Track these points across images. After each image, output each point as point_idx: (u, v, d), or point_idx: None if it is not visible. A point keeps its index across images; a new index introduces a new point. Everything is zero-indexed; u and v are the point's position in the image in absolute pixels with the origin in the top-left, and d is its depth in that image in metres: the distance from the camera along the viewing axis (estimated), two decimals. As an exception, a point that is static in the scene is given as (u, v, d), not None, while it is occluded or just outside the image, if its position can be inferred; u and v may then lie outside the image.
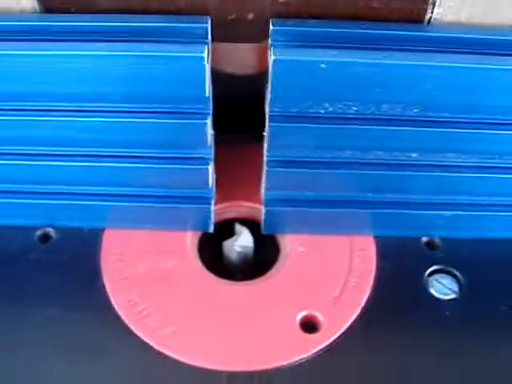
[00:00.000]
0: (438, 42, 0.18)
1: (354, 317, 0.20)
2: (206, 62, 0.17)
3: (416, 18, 0.18)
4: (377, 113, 0.18)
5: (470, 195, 0.21)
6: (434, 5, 0.18)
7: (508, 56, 0.18)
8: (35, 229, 0.22)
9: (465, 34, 0.18)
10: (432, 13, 0.18)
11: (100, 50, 0.17)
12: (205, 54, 0.17)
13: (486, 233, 0.22)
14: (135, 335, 0.19)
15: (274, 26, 0.18)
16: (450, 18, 0.18)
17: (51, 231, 0.22)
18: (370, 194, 0.21)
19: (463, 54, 0.18)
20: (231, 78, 0.21)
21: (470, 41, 0.18)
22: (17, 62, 0.18)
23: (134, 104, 0.18)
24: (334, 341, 0.19)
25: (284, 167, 0.20)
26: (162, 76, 0.17)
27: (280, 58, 0.17)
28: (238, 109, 0.22)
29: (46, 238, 0.22)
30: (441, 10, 0.18)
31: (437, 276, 0.21)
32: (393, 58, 0.17)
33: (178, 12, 0.18)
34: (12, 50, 0.17)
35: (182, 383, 0.18)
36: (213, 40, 0.18)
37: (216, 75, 0.19)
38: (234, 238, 0.21)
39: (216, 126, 0.19)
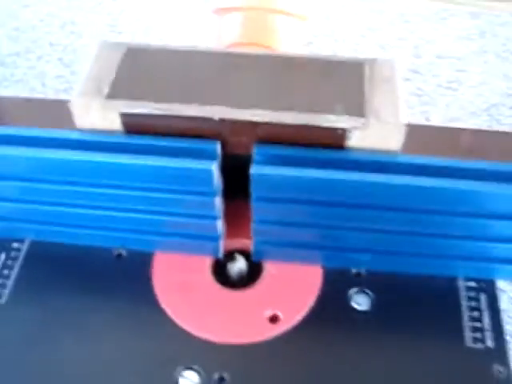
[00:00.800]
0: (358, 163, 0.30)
1: (301, 316, 0.33)
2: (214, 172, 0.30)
3: (339, 146, 0.31)
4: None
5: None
6: (347, 139, 0.30)
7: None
8: (113, 249, 0.36)
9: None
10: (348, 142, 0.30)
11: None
12: (213, 167, 0.30)
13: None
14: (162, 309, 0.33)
15: (256, 148, 0.31)
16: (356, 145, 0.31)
17: (123, 251, 0.36)
18: (327, 244, 0.34)
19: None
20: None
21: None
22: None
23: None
24: (282, 334, 0.32)
25: (266, 225, 0.33)
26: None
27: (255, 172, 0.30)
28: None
29: (120, 255, 0.36)
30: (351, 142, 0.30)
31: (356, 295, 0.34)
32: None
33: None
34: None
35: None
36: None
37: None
38: (234, 262, 0.35)
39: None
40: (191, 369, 0.31)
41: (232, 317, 0.33)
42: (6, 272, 0.35)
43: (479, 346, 0.32)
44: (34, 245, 0.36)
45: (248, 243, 0.35)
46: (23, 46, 0.47)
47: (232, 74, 0.32)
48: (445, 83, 0.43)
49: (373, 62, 0.32)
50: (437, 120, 0.40)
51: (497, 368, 0.31)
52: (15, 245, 0.36)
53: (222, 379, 0.31)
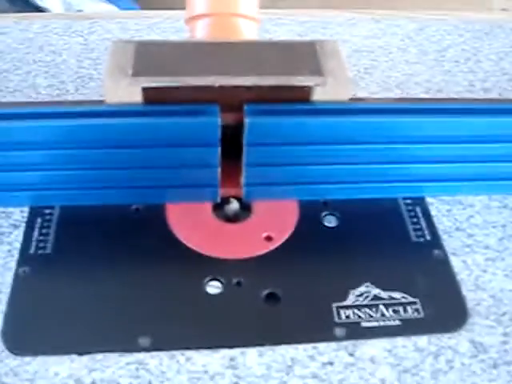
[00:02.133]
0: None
1: (288, 235, 0.43)
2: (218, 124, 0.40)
3: (306, 100, 0.42)
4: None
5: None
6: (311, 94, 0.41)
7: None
8: (130, 205, 0.45)
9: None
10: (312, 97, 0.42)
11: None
12: (218, 120, 0.40)
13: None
14: (182, 243, 0.42)
15: (246, 106, 0.41)
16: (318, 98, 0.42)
17: (139, 206, 0.45)
18: (301, 180, 0.44)
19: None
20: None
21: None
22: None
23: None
24: (276, 248, 0.43)
25: (255, 168, 0.43)
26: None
27: (251, 121, 0.40)
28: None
29: (137, 209, 0.45)
30: (314, 96, 0.42)
31: (326, 217, 0.45)
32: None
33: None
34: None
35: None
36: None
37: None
38: (229, 204, 0.45)
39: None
40: (214, 279, 0.40)
41: (237, 240, 0.43)
42: (45, 231, 0.43)
43: (421, 239, 0.43)
44: (64, 209, 0.44)
45: (238, 190, 0.45)
46: (10, 65, 0.55)
47: (220, 54, 0.42)
48: (362, 70, 0.56)
49: (321, 41, 0.44)
50: (361, 96, 0.53)
51: (436, 252, 0.43)
52: (47, 211, 0.44)
53: (239, 283, 0.40)
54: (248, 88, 0.41)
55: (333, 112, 0.41)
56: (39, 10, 0.88)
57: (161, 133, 0.40)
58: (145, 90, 0.40)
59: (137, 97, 0.40)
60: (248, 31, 0.48)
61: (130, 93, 0.40)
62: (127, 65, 0.41)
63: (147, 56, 0.42)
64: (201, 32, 0.48)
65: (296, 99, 0.41)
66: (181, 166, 0.42)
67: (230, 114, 0.42)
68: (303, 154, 0.42)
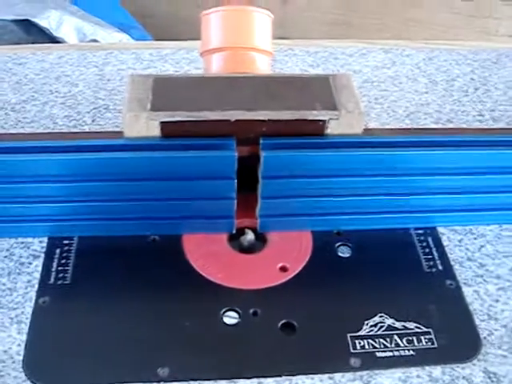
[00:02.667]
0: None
1: (303, 265, 0.44)
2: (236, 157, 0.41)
3: (320, 134, 0.43)
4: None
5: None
6: (326, 128, 0.42)
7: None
8: (148, 236, 0.46)
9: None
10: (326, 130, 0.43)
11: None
12: (235, 153, 0.41)
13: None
14: (199, 273, 0.43)
15: (262, 140, 0.42)
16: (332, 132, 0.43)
17: (156, 237, 0.46)
18: (315, 212, 0.45)
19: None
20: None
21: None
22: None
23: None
24: (291, 278, 0.43)
25: (270, 200, 0.44)
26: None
27: (267, 155, 0.41)
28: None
29: (154, 240, 0.45)
30: (328, 130, 0.43)
31: (340, 247, 0.45)
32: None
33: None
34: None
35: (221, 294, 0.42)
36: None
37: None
38: (245, 235, 0.45)
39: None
40: (231, 309, 0.41)
41: (253, 271, 0.43)
42: (63, 261, 0.44)
43: (433, 270, 0.44)
44: (82, 239, 0.45)
45: (253, 221, 0.46)
46: (27, 95, 0.56)
47: (236, 88, 0.43)
48: (373, 100, 0.57)
49: (334, 75, 0.45)
50: (372, 126, 0.54)
51: (448, 282, 0.43)
52: (66, 241, 0.45)
53: (255, 313, 0.41)
54: (264, 122, 0.42)
55: (347, 145, 0.42)
56: (54, 39, 0.89)
57: (178, 166, 0.41)
58: (163, 124, 0.41)
59: (155, 131, 0.41)
60: (262, 64, 0.49)
61: (148, 127, 0.41)
62: (145, 99, 0.42)
63: (165, 90, 0.43)
64: (216, 65, 0.49)
65: (310, 133, 0.42)
66: (197, 198, 0.43)
67: (246, 146, 0.43)
68: (317, 187, 0.43)
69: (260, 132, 0.42)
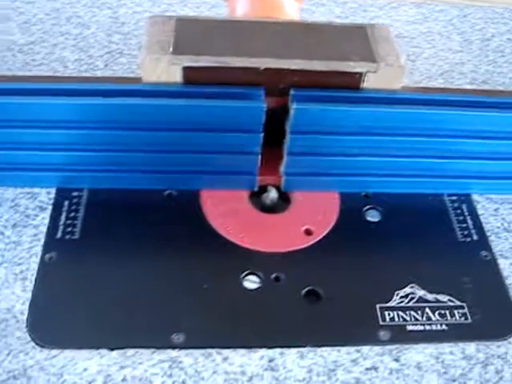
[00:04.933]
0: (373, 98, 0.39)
1: (329, 229, 0.41)
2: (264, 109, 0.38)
3: (356, 87, 0.39)
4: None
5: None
6: (362, 81, 0.39)
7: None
8: (164, 191, 0.42)
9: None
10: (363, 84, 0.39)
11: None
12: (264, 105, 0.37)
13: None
14: (218, 233, 0.40)
15: (293, 91, 0.38)
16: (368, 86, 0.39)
17: (173, 191, 0.42)
18: (343, 172, 0.42)
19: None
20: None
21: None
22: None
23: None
24: (316, 242, 0.40)
25: (297, 157, 0.41)
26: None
27: (298, 107, 0.38)
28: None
29: (170, 195, 0.42)
30: (365, 84, 0.39)
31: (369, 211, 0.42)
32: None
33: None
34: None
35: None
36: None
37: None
38: (267, 193, 0.42)
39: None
40: (252, 273, 0.38)
41: (275, 232, 0.40)
42: (72, 215, 0.41)
43: (468, 239, 0.41)
44: (93, 192, 0.42)
45: (276, 179, 0.42)
46: (36, 36, 0.52)
47: (265, 35, 0.40)
48: (404, 57, 0.53)
49: (372, 26, 0.41)
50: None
51: (484, 253, 0.40)
52: (75, 193, 0.42)
53: (277, 278, 0.38)
54: (295, 72, 0.38)
55: (383, 101, 0.39)
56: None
57: (201, 116, 0.38)
58: (186, 69, 0.38)
59: (177, 76, 0.38)
60: (291, 10, 0.45)
61: (169, 72, 0.38)
62: (167, 41, 0.38)
63: (188, 33, 0.39)
64: (241, 9, 0.45)
65: (345, 86, 0.39)
66: (219, 151, 0.40)
67: (274, 98, 0.39)
68: (348, 145, 0.40)
69: (290, 83, 0.39)
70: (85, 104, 0.38)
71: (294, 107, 0.38)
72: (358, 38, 0.40)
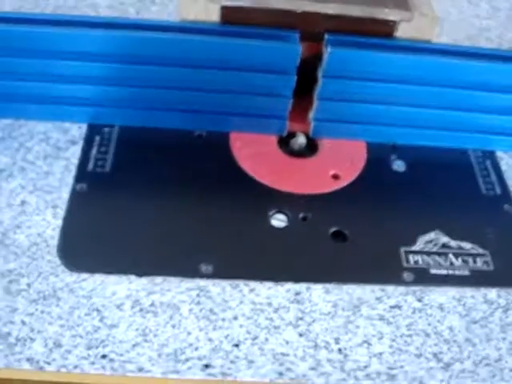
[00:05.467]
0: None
1: (356, 175, 0.41)
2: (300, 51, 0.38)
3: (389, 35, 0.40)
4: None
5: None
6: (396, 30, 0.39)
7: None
8: (194, 131, 0.43)
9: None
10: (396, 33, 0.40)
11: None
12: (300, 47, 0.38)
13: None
14: (247, 173, 0.40)
15: (328, 36, 0.39)
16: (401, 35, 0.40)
17: (203, 133, 0.43)
18: (371, 120, 0.42)
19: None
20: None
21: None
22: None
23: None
24: (344, 187, 0.41)
25: (328, 102, 0.41)
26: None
27: (333, 51, 0.38)
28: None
29: (200, 136, 0.43)
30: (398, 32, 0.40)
31: (395, 161, 0.43)
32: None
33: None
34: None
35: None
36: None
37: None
38: (296, 138, 0.43)
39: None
40: (280, 212, 0.39)
41: (303, 176, 0.41)
42: (103, 149, 0.41)
43: (491, 193, 0.42)
44: (124, 129, 0.42)
45: (304, 127, 0.43)
46: (68, -18, 0.53)
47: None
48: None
49: (407, -24, 0.42)
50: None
51: (507, 207, 0.41)
52: (106, 129, 0.42)
53: (304, 218, 0.39)
54: (330, 17, 0.39)
55: (416, 50, 0.39)
56: None
57: (236, 54, 0.39)
58: (223, 8, 0.38)
59: (214, 15, 0.38)
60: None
61: (207, 10, 0.38)
62: (208, -19, 0.39)
63: (227, -26, 0.40)
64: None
65: (378, 33, 0.39)
66: (252, 92, 0.40)
67: (307, 43, 0.40)
68: (378, 92, 0.41)
69: (325, 28, 0.39)
70: (121, 36, 0.38)
71: (328, 51, 0.38)
72: (393, -13, 0.41)
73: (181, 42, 0.38)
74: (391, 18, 0.39)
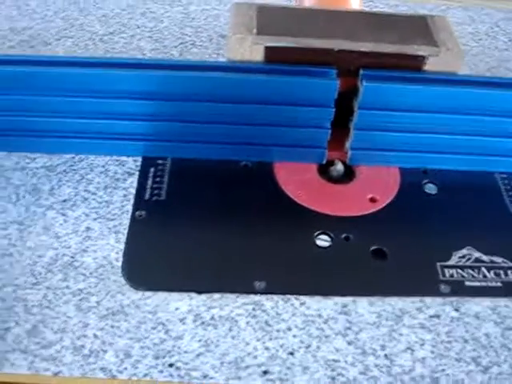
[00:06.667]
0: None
1: (391, 198, 0.45)
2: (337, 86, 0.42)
3: (418, 69, 0.43)
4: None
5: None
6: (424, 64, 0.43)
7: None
8: (240, 161, 0.47)
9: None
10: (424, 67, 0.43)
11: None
12: (337, 82, 0.42)
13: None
14: (291, 198, 0.44)
15: (363, 71, 0.43)
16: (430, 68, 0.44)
17: (248, 163, 0.47)
18: (404, 148, 0.46)
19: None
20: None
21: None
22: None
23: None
24: (381, 209, 0.44)
25: (364, 132, 0.45)
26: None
27: (368, 85, 0.42)
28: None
29: (246, 165, 0.47)
30: (426, 66, 0.43)
31: (427, 184, 0.46)
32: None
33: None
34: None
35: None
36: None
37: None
38: (335, 166, 0.46)
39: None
40: (324, 233, 0.42)
41: (343, 199, 0.44)
42: (158, 179, 0.45)
43: (519, 212, 0.45)
44: (175, 160, 0.46)
45: (342, 155, 0.47)
46: (115, 28, 0.57)
47: (337, 21, 0.44)
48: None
49: (431, 16, 0.46)
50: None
51: (534, 223, 0.44)
52: (160, 161, 0.46)
53: (347, 238, 0.42)
54: (364, 54, 0.43)
55: (444, 81, 0.43)
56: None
57: (279, 91, 0.42)
58: (267, 48, 0.42)
59: (258, 55, 0.42)
60: (354, 3, 0.50)
61: (252, 50, 0.42)
62: (251, 24, 0.43)
63: (268, 18, 0.44)
64: (309, 1, 0.50)
65: (409, 68, 0.43)
66: (294, 125, 0.44)
67: (343, 78, 0.43)
68: (411, 121, 0.44)
69: (359, 64, 0.43)
70: (171, 76, 0.42)
71: (363, 85, 0.42)
72: (419, 26, 0.45)
73: (229, 80, 0.42)
74: (420, 53, 0.43)
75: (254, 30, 0.42)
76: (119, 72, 0.42)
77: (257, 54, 0.43)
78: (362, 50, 0.42)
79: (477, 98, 0.43)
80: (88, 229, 0.42)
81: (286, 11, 0.45)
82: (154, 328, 0.37)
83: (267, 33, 0.42)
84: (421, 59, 0.43)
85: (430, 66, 0.43)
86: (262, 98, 0.43)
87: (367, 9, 0.63)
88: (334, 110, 0.43)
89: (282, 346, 0.37)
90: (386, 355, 0.37)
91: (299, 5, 0.50)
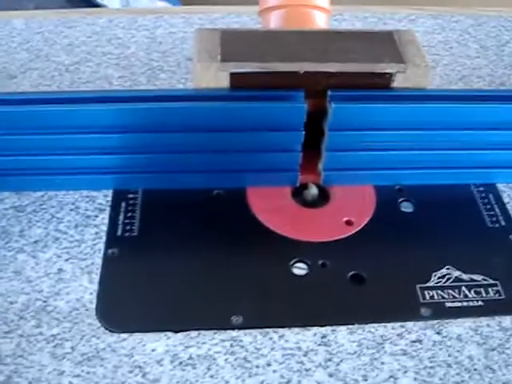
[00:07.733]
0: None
1: (367, 219, 0.44)
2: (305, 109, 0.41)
3: (386, 86, 0.43)
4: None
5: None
6: (392, 81, 0.43)
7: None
8: (212, 190, 0.46)
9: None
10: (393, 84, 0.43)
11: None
12: (305, 105, 0.41)
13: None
14: (265, 226, 0.43)
15: (331, 92, 0.42)
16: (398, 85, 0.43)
17: (220, 191, 0.46)
18: (379, 166, 0.45)
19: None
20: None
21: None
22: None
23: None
24: (357, 232, 0.44)
25: (335, 153, 0.44)
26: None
27: (336, 106, 0.41)
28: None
29: (218, 194, 0.46)
30: (394, 83, 0.43)
31: (402, 203, 0.46)
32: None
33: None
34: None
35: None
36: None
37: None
38: (309, 189, 0.46)
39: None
40: (300, 261, 0.41)
41: (319, 224, 0.44)
42: (130, 214, 0.44)
43: (496, 225, 0.44)
44: (147, 193, 0.45)
45: (315, 177, 0.46)
46: (80, 57, 0.56)
47: (302, 43, 0.43)
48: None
49: (397, 30, 0.45)
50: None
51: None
52: (131, 195, 0.45)
53: (323, 265, 0.41)
54: (331, 75, 0.42)
55: (413, 98, 0.42)
56: (96, 6, 0.89)
57: (247, 117, 0.42)
58: (232, 75, 0.41)
59: (224, 82, 0.42)
60: (320, 21, 0.49)
61: (217, 78, 0.41)
62: (215, 51, 0.42)
63: (232, 43, 0.43)
64: (275, 23, 0.49)
65: (376, 86, 0.43)
66: (264, 150, 0.43)
67: (311, 100, 0.43)
68: (382, 139, 0.43)
69: (327, 85, 0.42)
70: (137, 109, 0.41)
71: (332, 106, 0.41)
72: (386, 42, 0.44)
73: (195, 109, 0.41)
74: (387, 70, 0.42)
75: (218, 57, 0.41)
76: (84, 108, 0.41)
77: (222, 81, 0.42)
78: (329, 70, 0.42)
79: (447, 113, 0.42)
80: (60, 270, 0.41)
81: (250, 34, 0.44)
82: (130, 372, 0.36)
83: (231, 59, 0.42)
84: (388, 76, 0.42)
85: (398, 82, 0.43)
86: (230, 125, 0.42)
87: (336, 22, 0.62)
88: (303, 132, 0.42)
89: (262, 383, 0.36)
90: (368, 386, 0.36)
91: (264, 27, 0.49)
